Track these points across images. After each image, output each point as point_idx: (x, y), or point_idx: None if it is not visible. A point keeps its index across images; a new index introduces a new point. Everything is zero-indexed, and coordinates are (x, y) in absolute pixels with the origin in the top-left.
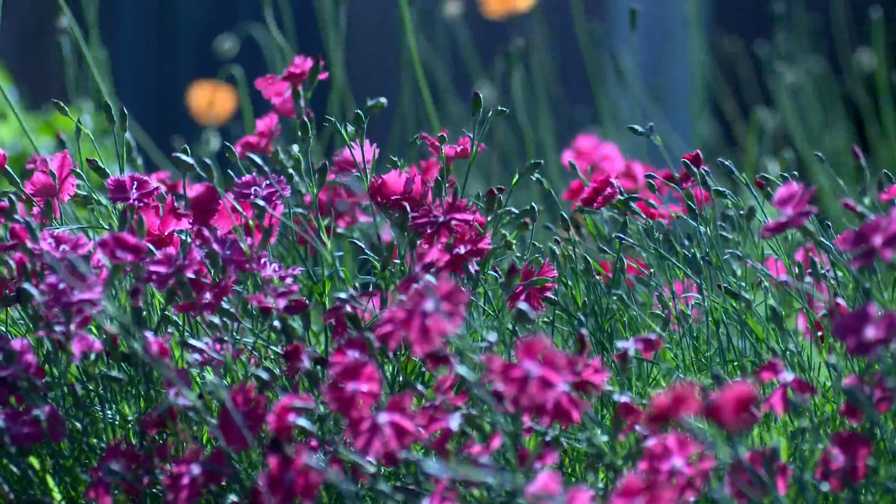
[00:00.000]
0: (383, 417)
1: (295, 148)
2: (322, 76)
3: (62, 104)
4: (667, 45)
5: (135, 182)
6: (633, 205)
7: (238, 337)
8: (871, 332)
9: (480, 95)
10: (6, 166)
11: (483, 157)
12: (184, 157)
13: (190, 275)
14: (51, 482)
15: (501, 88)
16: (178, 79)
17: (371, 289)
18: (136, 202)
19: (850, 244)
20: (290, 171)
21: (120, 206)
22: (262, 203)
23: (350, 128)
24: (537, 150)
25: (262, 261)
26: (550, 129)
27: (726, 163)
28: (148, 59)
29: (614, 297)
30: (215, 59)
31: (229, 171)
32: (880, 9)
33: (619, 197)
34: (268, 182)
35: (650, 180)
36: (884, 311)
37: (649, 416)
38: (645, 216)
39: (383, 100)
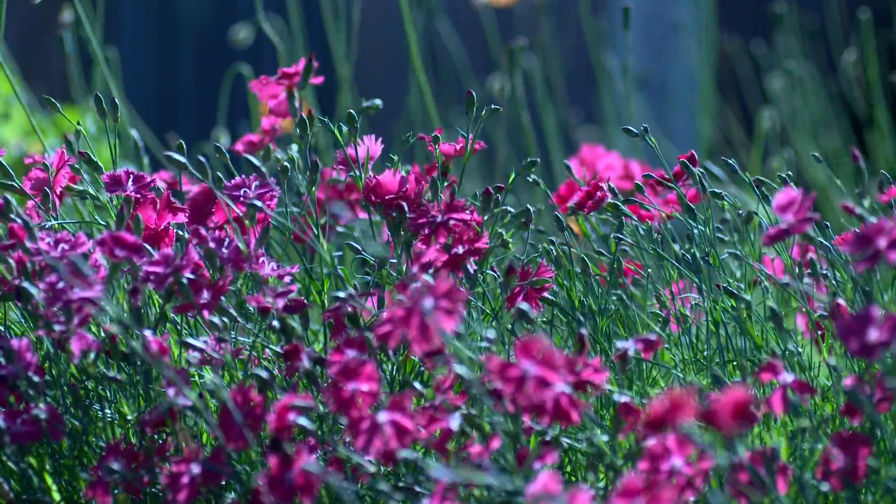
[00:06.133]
0: (383, 417)
1: (294, 147)
2: (317, 80)
3: (56, 102)
4: (666, 45)
5: (130, 176)
6: (624, 208)
7: (235, 336)
8: (873, 335)
9: (473, 94)
10: (2, 162)
11: (488, 155)
12: (176, 156)
13: (188, 275)
14: (50, 481)
15: (510, 85)
16: (179, 78)
17: (370, 287)
18: (132, 194)
19: (852, 246)
20: (287, 169)
21: (116, 200)
22: (259, 204)
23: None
24: (543, 147)
25: (261, 260)
26: (556, 127)
27: (730, 162)
28: (149, 58)
29: (613, 297)
30: (216, 58)
31: (232, 166)
32: (869, 11)
33: (610, 200)
34: (258, 183)
35: (641, 183)
36: (884, 312)
37: (646, 422)
38: (637, 219)
39: (378, 101)
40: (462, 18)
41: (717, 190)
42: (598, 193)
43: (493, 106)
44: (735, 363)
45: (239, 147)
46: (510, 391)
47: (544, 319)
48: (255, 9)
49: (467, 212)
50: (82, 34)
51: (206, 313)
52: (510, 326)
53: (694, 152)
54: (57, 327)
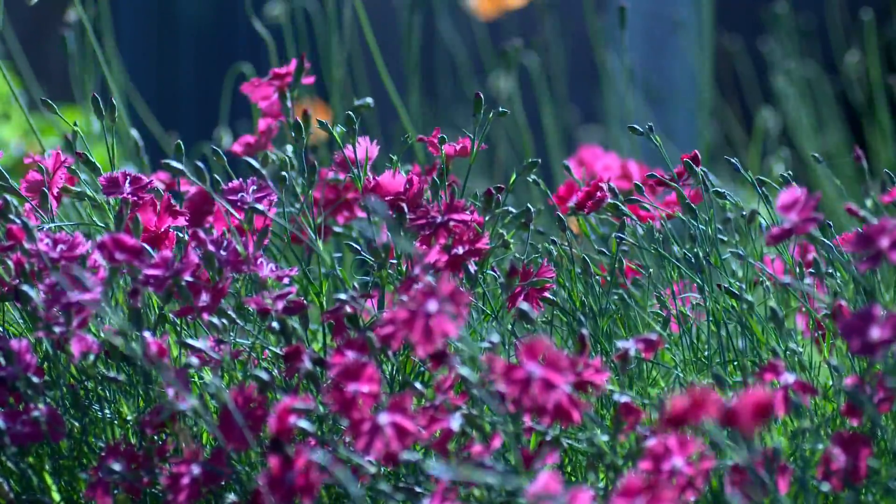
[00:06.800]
0: (384, 418)
1: (289, 149)
2: (308, 80)
3: (52, 104)
4: (666, 45)
5: (128, 177)
6: (624, 208)
7: (234, 337)
8: (875, 333)
9: (481, 96)
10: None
11: (489, 155)
12: (173, 162)
13: (187, 278)
14: (50, 481)
15: (510, 85)
16: (179, 77)
17: (370, 288)
18: (129, 196)
19: (854, 246)
20: (285, 175)
21: (114, 201)
22: (259, 207)
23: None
24: (544, 147)
25: (259, 261)
26: (557, 126)
27: (733, 161)
28: (149, 58)
29: (614, 298)
30: (216, 58)
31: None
32: (871, 11)
33: (609, 201)
34: (255, 187)
35: (641, 184)
36: (886, 311)
37: (665, 419)
38: (636, 219)
39: (369, 100)
40: (464, 18)
41: (719, 189)
42: (598, 194)
43: (499, 109)
44: (736, 363)
45: (237, 148)
46: (515, 393)
47: (544, 320)
48: (255, 10)
49: (467, 212)
50: (86, 34)
51: (205, 315)
52: (511, 327)
53: (697, 152)
54: (56, 329)
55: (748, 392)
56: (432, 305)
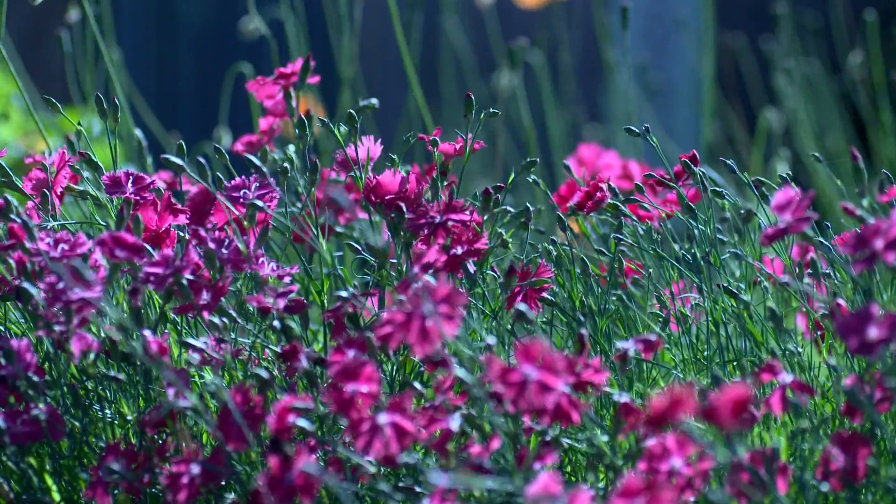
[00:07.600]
0: (383, 418)
1: (291, 148)
2: (314, 79)
3: (56, 103)
4: (667, 45)
5: (130, 177)
6: (624, 208)
7: (235, 336)
8: (873, 333)
9: (472, 97)
10: (1, 163)
11: (493, 154)
12: (174, 158)
13: (188, 276)
14: (50, 481)
15: (514, 84)
16: (179, 77)
17: (370, 287)
18: (132, 196)
19: (850, 247)
20: (287, 170)
21: (116, 200)
22: (259, 203)
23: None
24: (548, 146)
25: (260, 260)
26: (563, 125)
27: (729, 162)
28: (149, 58)
29: (613, 298)
30: (216, 58)
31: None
32: (874, 11)
33: (610, 201)
34: (258, 184)
35: (640, 183)
36: (884, 311)
37: (647, 419)
38: (636, 219)
39: (374, 101)
40: (468, 17)
41: (717, 189)
42: (598, 194)
43: (492, 110)
44: (735, 363)
45: (238, 147)
46: (512, 395)
47: (544, 320)
48: (256, 8)
49: (466, 212)
50: (86, 34)
51: (205, 314)
52: (510, 327)
53: (695, 152)
54: (57, 328)
55: (727, 388)
56: (429, 308)
